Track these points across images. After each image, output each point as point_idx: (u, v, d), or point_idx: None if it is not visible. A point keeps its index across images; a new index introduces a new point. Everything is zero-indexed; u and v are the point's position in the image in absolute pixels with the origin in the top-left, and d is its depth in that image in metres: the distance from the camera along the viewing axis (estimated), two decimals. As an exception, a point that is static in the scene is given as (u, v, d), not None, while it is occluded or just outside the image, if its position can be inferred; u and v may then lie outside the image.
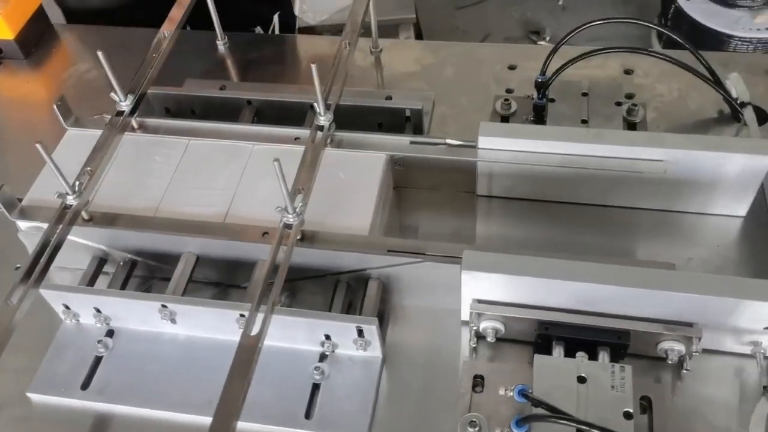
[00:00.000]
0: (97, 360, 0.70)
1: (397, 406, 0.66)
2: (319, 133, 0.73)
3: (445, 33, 2.48)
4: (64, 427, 0.67)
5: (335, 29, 2.06)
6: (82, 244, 0.74)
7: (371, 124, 0.84)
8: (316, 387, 0.67)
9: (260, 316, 0.60)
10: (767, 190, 0.74)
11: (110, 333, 0.72)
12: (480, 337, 0.67)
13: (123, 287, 0.74)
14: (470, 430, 0.61)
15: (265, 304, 0.60)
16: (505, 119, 0.86)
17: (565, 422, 0.56)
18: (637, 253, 0.74)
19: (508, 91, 0.91)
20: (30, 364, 0.70)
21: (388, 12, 1.85)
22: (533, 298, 0.64)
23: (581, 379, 0.61)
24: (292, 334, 0.68)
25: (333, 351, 0.68)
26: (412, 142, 0.76)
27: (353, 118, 0.82)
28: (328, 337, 0.67)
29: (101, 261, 0.76)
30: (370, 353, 0.68)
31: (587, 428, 0.55)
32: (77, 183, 0.70)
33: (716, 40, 1.85)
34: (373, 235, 0.70)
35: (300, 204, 0.67)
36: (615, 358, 0.63)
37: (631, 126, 0.83)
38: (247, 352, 0.57)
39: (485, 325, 0.66)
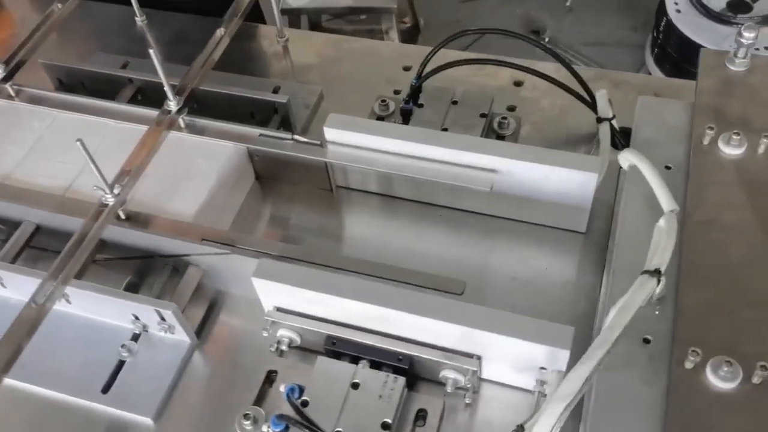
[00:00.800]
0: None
1: (195, 392, 0.68)
2: (165, 117, 0.75)
3: (444, 26, 2.46)
4: None
5: (318, 12, 2.07)
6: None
7: (242, 114, 0.84)
8: (121, 363, 0.69)
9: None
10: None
11: (-48, 291, 0.75)
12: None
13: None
14: (244, 422, 0.62)
15: (58, 277, 0.63)
16: (380, 119, 0.85)
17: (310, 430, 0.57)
18: (468, 260, 0.74)
19: (396, 92, 0.90)
20: None
21: (368, 0, 1.85)
22: (323, 311, 0.65)
23: (355, 385, 0.61)
24: (107, 311, 0.70)
25: (146, 331, 0.70)
26: (261, 135, 0.77)
27: (226, 107, 0.83)
28: (137, 317, 0.69)
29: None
30: (178, 336, 0.69)
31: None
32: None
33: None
34: (193, 224, 0.71)
35: (121, 185, 0.68)
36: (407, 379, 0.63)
37: (499, 138, 0.82)
38: (24, 321, 0.60)
39: (281, 333, 0.67)
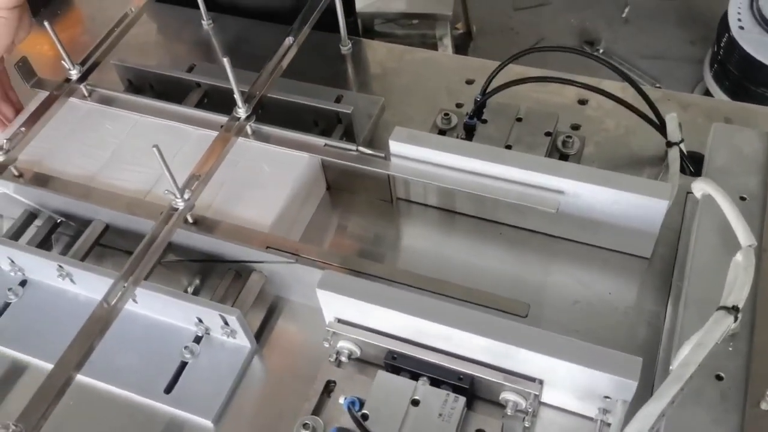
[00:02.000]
0: (5, 305, 0.76)
1: (254, 397, 0.69)
2: (234, 123, 0.76)
3: (497, 33, 2.45)
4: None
5: (371, 17, 2.08)
6: (12, 197, 0.80)
7: (306, 122, 0.85)
8: (184, 364, 0.70)
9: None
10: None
11: (23, 283, 0.78)
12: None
13: (41, 244, 0.79)
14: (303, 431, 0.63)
15: (129, 278, 0.64)
16: (442, 133, 0.86)
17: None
18: (528, 280, 0.74)
19: (458, 105, 0.90)
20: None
21: (423, 6, 1.85)
22: (385, 325, 0.65)
23: (415, 402, 0.62)
24: (171, 312, 0.71)
25: (209, 333, 0.71)
26: (326, 145, 0.78)
27: (289, 115, 0.84)
28: (200, 320, 0.70)
29: (30, 215, 0.81)
30: (239, 341, 0.71)
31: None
32: (6, 141, 0.76)
33: (765, 75, 1.74)
34: (258, 231, 0.72)
35: (191, 189, 0.70)
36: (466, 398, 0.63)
37: (563, 157, 0.82)
38: (97, 320, 0.61)
39: (342, 344, 0.67)
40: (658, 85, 2.12)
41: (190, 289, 0.75)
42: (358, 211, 0.82)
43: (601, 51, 2.29)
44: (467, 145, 0.74)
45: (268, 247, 0.70)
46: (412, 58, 0.99)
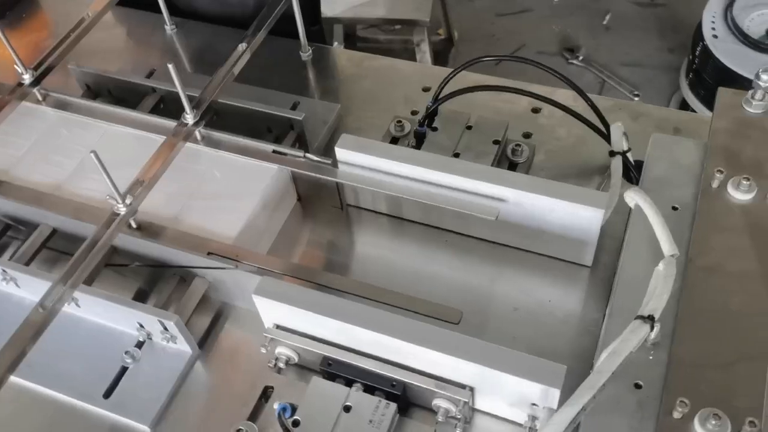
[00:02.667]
0: (-48, 311, 0.77)
1: (194, 402, 0.69)
2: (182, 129, 0.77)
3: (478, 39, 2.46)
4: None
5: (353, 22, 2.09)
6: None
7: (260, 129, 0.86)
8: (124, 369, 0.70)
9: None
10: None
11: (-29, 287, 0.78)
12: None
13: (-9, 247, 0.80)
14: (237, 437, 0.63)
15: (67, 282, 0.64)
16: (395, 140, 0.86)
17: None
18: (472, 287, 0.74)
19: (413, 113, 0.91)
20: None
21: (401, 12, 1.85)
22: (321, 332, 0.65)
23: (347, 408, 0.62)
24: (114, 317, 0.72)
25: (150, 338, 0.72)
26: (273, 151, 0.78)
27: (243, 121, 0.85)
28: (141, 325, 0.70)
29: (-17, 220, 0.82)
30: (180, 346, 0.71)
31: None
32: (-47, 146, 0.76)
33: (739, 85, 1.75)
34: (201, 237, 0.72)
35: (133, 195, 0.70)
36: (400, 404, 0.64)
37: (512, 165, 0.82)
38: (31, 325, 0.62)
39: (279, 350, 0.67)
40: (636, 93, 2.13)
41: (130, 295, 0.76)
42: (316, 220, 0.83)
43: (581, 58, 2.30)
44: (412, 153, 0.74)
45: (209, 253, 0.70)
46: (372, 65, 1.00)
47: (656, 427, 0.51)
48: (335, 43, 1.92)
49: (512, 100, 0.91)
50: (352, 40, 2.29)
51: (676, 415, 0.50)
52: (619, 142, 0.74)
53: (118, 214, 0.69)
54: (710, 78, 1.82)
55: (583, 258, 0.73)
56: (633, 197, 0.62)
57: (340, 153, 0.75)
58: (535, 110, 0.90)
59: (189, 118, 0.77)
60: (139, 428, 0.67)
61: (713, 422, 0.49)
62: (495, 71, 0.92)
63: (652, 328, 0.52)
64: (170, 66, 0.72)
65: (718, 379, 0.52)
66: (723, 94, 0.70)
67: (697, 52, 1.84)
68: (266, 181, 0.77)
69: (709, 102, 1.90)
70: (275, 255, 0.74)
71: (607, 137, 0.80)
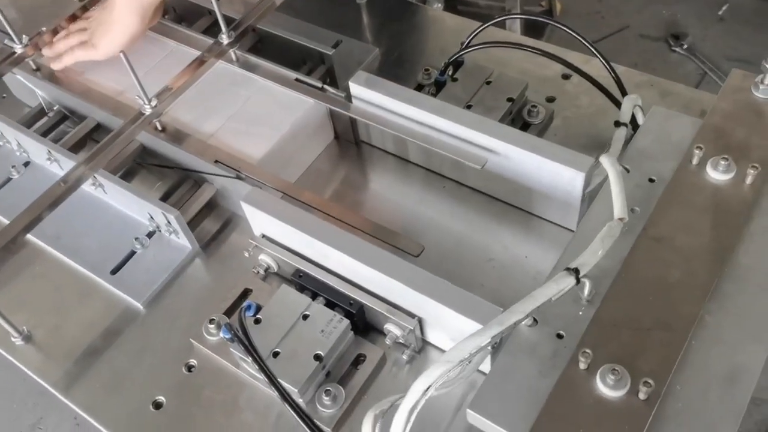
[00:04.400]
0: (8, 180, 0.88)
1: (185, 291, 0.77)
2: (217, 48, 0.83)
3: (582, 16, 2.39)
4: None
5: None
6: (30, 88, 0.91)
7: (296, 60, 0.91)
8: (132, 253, 0.79)
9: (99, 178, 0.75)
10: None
11: (26, 164, 0.89)
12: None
13: (48, 132, 0.90)
14: (209, 326, 0.70)
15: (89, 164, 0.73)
16: (420, 87, 0.89)
17: (244, 347, 0.63)
18: (455, 233, 0.77)
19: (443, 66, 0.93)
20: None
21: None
22: (298, 247, 0.71)
23: (305, 317, 0.67)
24: (131, 206, 0.80)
25: (159, 230, 0.80)
26: (296, 79, 0.83)
27: (281, 50, 0.90)
28: (152, 217, 0.78)
29: (43, 109, 0.93)
30: (182, 241, 0.79)
31: (258, 361, 0.62)
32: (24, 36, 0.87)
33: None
34: (215, 146, 0.79)
35: (159, 99, 0.78)
36: (352, 321, 0.68)
37: (525, 125, 0.83)
38: (49, 194, 0.71)
39: (262, 257, 0.74)
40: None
41: (158, 196, 0.84)
42: (343, 156, 0.88)
43: (685, 47, 2.19)
44: (416, 96, 0.77)
45: (216, 161, 0.77)
46: (421, 14, 1.03)
47: (561, 374, 0.53)
48: (436, 5, 1.93)
49: (545, 64, 0.91)
50: (452, 4, 2.29)
51: (582, 365, 0.52)
52: (627, 113, 0.74)
53: (143, 114, 0.77)
54: None
55: (568, 221, 0.74)
56: (604, 160, 0.62)
57: (354, 88, 0.79)
58: (565, 77, 0.90)
59: (224, 38, 0.84)
60: (133, 304, 0.76)
61: (612, 377, 0.50)
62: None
63: (578, 281, 0.54)
64: (209, -11, 0.78)
65: (630, 340, 0.53)
66: (734, 75, 0.68)
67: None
68: (299, 112, 0.82)
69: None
70: (275, 175, 0.79)
71: (613, 102, 0.80)
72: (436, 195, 0.81)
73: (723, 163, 0.60)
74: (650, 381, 0.49)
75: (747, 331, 0.53)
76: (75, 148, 0.86)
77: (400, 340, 0.67)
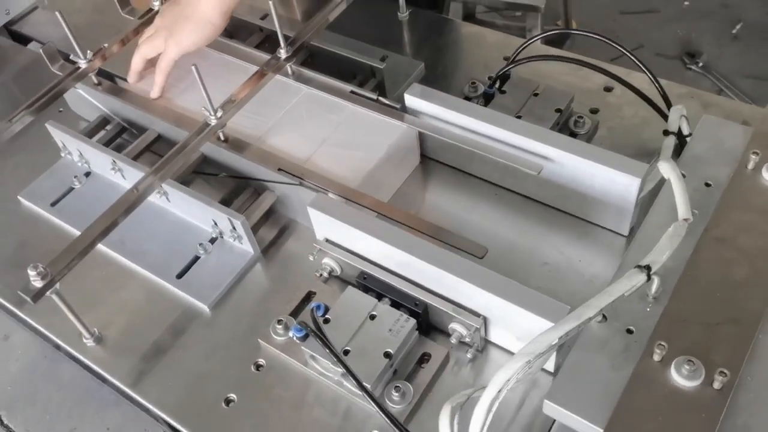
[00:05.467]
0: (70, 189, 0.91)
1: (249, 294, 0.80)
2: (275, 62, 0.87)
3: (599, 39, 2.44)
4: (30, 225, 0.89)
5: (474, 3, 2.13)
6: (90, 101, 0.95)
7: (347, 74, 0.94)
8: (196, 258, 0.82)
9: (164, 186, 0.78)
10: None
11: (87, 174, 0.92)
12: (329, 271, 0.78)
13: (108, 143, 0.93)
14: (277, 326, 0.73)
15: (158, 173, 0.76)
16: (467, 99, 0.92)
17: (321, 341, 0.66)
18: (510, 239, 0.80)
19: (489, 78, 0.96)
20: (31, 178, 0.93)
21: (516, -5, 1.89)
22: (363, 249, 0.74)
23: (372, 317, 0.70)
24: (194, 213, 0.83)
25: (222, 236, 0.83)
26: (351, 92, 0.87)
27: (333, 65, 0.94)
28: (216, 223, 0.81)
29: (104, 120, 0.96)
30: (245, 246, 0.81)
31: (335, 354, 0.65)
32: (88, 51, 0.90)
33: None
34: (275, 155, 0.82)
35: (223, 110, 0.81)
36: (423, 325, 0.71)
37: (572, 135, 0.86)
38: (124, 202, 0.74)
39: (326, 261, 0.76)
40: (753, 106, 2.05)
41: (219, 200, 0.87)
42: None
43: (700, 65, 2.23)
44: (469, 106, 0.81)
45: (279, 169, 0.80)
46: (463, 32, 1.06)
47: (636, 367, 0.55)
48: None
49: (587, 77, 0.95)
50: (471, 21, 2.34)
51: (656, 357, 0.54)
52: (675, 123, 0.77)
53: (209, 125, 0.81)
54: None
55: (620, 226, 0.77)
56: (663, 165, 0.65)
57: (409, 99, 0.83)
58: (607, 89, 0.93)
59: (282, 53, 0.87)
60: (199, 306, 0.79)
61: (687, 367, 0.53)
62: (598, 54, 0.95)
63: (649, 278, 0.56)
64: (270, 3, 0.82)
65: (702, 334, 0.55)
66: (782, 85, 0.71)
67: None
68: (393, 138, 0.83)
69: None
70: (339, 181, 0.82)
71: (659, 114, 0.83)
72: (489, 203, 0.84)
73: (779, 167, 0.63)
74: (725, 371, 0.52)
75: (811, 325, 0.56)
76: (136, 158, 0.89)
77: (465, 339, 0.69)
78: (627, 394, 0.53)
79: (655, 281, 0.58)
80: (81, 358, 0.77)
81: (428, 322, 0.73)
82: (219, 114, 0.80)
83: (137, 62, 0.93)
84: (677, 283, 0.59)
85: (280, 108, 0.88)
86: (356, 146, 0.83)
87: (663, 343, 0.54)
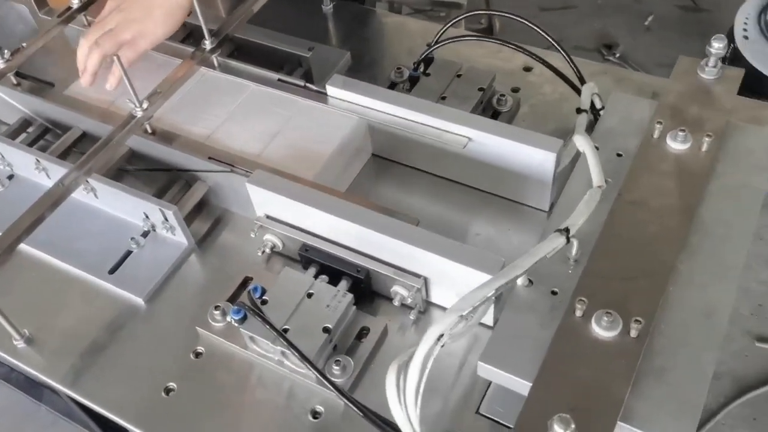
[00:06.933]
0: (-6, 193, 0.89)
1: (184, 286, 0.80)
2: (200, 54, 0.87)
3: (519, 31, 2.51)
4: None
5: (399, 2, 2.17)
6: (10, 104, 0.92)
7: (276, 65, 0.95)
8: (129, 253, 0.81)
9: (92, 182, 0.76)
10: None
11: (10, 177, 0.90)
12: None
13: (31, 145, 0.91)
14: (215, 312, 0.73)
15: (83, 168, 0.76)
16: (393, 85, 0.95)
17: (260, 318, 0.67)
18: (441, 216, 0.82)
19: (414, 63, 0.99)
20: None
21: (438, -8, 1.93)
22: (302, 222, 0.75)
23: (309, 295, 0.71)
24: (125, 208, 0.82)
25: (154, 230, 0.82)
26: (278, 80, 0.88)
27: (261, 56, 0.95)
28: (147, 216, 0.81)
29: (25, 122, 0.94)
30: (178, 238, 0.81)
31: (274, 329, 0.66)
32: (6, 51, 0.88)
33: (764, 85, 1.77)
34: (205, 144, 0.82)
35: (149, 101, 0.81)
36: (357, 291, 0.73)
37: (495, 113, 0.90)
38: (49, 196, 0.73)
39: (267, 237, 0.77)
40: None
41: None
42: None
43: (617, 55, 2.34)
44: (391, 94, 0.83)
45: (209, 158, 0.80)
46: (386, 21, 1.09)
47: (560, 323, 0.58)
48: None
49: (508, 59, 0.99)
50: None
51: (578, 313, 0.58)
52: (587, 100, 0.81)
53: (135, 117, 0.80)
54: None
55: (542, 202, 0.81)
56: (577, 139, 0.69)
57: (331, 90, 0.85)
58: (527, 69, 0.97)
59: (207, 44, 0.88)
60: (134, 300, 0.78)
61: (606, 319, 0.56)
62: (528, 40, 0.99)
63: (568, 240, 0.60)
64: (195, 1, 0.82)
65: (619, 288, 0.59)
66: (682, 61, 0.76)
67: (728, 54, 1.86)
68: (345, 130, 0.83)
69: (734, 105, 1.93)
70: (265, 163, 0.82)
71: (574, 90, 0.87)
72: (418, 186, 0.86)
73: (681, 134, 0.68)
74: (640, 319, 0.56)
75: (715, 274, 0.61)
76: (60, 158, 0.87)
77: (407, 302, 0.71)
78: (552, 348, 0.57)
79: (575, 244, 0.62)
80: (11, 360, 0.75)
81: (371, 290, 0.74)
82: (145, 105, 0.80)
83: (95, 61, 0.85)
84: (595, 244, 0.63)
85: (228, 106, 0.88)
86: (308, 140, 0.83)
87: (583, 299, 0.57)
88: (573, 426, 0.49)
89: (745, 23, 1.81)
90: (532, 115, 0.92)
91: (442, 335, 0.55)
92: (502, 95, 0.90)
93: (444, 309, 0.73)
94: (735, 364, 1.32)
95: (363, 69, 1.01)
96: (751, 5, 1.84)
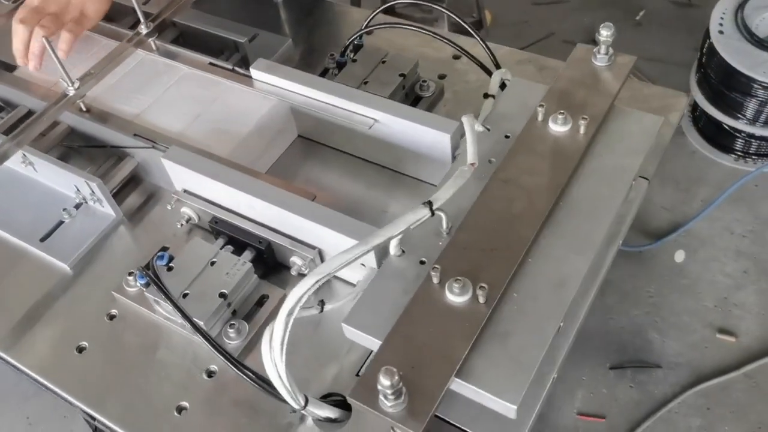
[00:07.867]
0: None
1: (109, 255, 0.85)
2: (136, 37, 0.92)
3: (510, 25, 2.54)
4: None
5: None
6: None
7: (215, 50, 1.00)
8: (60, 222, 0.87)
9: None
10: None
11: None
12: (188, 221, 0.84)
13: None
14: (128, 278, 0.79)
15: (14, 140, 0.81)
16: (326, 70, 0.99)
17: (156, 285, 0.72)
18: (352, 192, 0.87)
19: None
20: None
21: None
22: (214, 197, 0.80)
23: (212, 263, 0.76)
24: (59, 181, 0.88)
25: (86, 202, 0.88)
26: (210, 63, 0.93)
27: (201, 42, 1.00)
28: (78, 189, 0.86)
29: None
30: (106, 210, 0.87)
31: (167, 295, 0.71)
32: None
33: (739, 82, 1.78)
34: (133, 122, 0.87)
35: (81, 81, 0.86)
36: (263, 262, 0.78)
37: (417, 99, 0.94)
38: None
39: (184, 210, 0.83)
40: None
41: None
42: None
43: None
44: (308, 78, 0.88)
45: (135, 134, 0.85)
46: (333, 11, 1.13)
47: (417, 289, 0.62)
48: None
49: (440, 48, 1.02)
50: (389, 13, 2.42)
51: (434, 280, 0.62)
52: (495, 86, 0.84)
53: (67, 95, 0.86)
54: (714, 75, 1.85)
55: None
56: (463, 120, 0.73)
57: (255, 73, 0.89)
58: (456, 57, 1.01)
59: (143, 28, 0.93)
60: (61, 266, 0.84)
61: (456, 286, 0.60)
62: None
63: (432, 213, 0.64)
64: (131, -17, 0.87)
65: (476, 259, 0.63)
66: (579, 48, 0.80)
67: (704, 49, 1.87)
68: (263, 111, 0.88)
69: (714, 98, 1.92)
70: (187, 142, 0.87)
71: (503, 85, 0.91)
72: (339, 167, 0.90)
73: (560, 117, 0.71)
74: (485, 285, 0.59)
75: (572, 248, 0.64)
76: (5, 133, 0.93)
77: (303, 271, 0.76)
78: (406, 312, 0.61)
79: (443, 217, 0.65)
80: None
81: (276, 261, 0.79)
82: (77, 85, 0.86)
83: (39, 44, 0.90)
84: (464, 218, 0.66)
85: (160, 87, 0.93)
86: (228, 120, 0.88)
87: (438, 266, 0.61)
88: (396, 377, 0.53)
89: (722, 18, 1.82)
90: (454, 100, 0.95)
91: (302, 297, 0.59)
92: (425, 81, 0.94)
93: (340, 279, 0.78)
94: (693, 355, 1.35)
95: (307, 56, 1.05)
96: (729, 1, 1.84)
